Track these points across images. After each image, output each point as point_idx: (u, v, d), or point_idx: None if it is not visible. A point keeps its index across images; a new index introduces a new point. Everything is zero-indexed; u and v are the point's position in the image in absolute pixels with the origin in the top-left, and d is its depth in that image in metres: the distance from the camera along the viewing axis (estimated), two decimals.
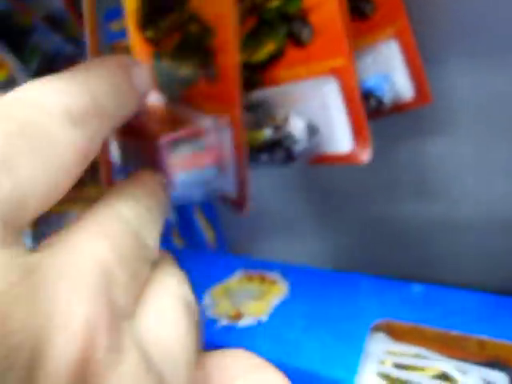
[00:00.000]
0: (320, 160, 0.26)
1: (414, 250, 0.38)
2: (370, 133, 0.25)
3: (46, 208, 0.11)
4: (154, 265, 0.14)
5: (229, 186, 0.22)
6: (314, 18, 0.25)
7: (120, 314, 0.11)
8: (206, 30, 0.23)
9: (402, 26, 0.30)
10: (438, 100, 0.33)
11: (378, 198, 0.39)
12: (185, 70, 0.25)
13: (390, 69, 0.30)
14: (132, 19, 0.27)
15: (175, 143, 0.19)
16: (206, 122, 0.20)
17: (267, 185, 0.42)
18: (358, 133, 0.25)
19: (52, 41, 0.44)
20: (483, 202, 0.35)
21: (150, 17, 0.26)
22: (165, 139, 0.18)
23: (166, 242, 0.42)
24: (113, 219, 0.13)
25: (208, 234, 0.49)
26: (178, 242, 0.47)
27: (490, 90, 0.32)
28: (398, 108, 0.31)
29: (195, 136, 0.20)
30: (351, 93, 0.24)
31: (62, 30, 0.44)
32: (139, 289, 0.13)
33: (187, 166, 0.19)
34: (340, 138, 0.25)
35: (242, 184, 0.23)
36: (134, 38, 0.28)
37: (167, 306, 0.13)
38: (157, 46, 0.27)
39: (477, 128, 0.34)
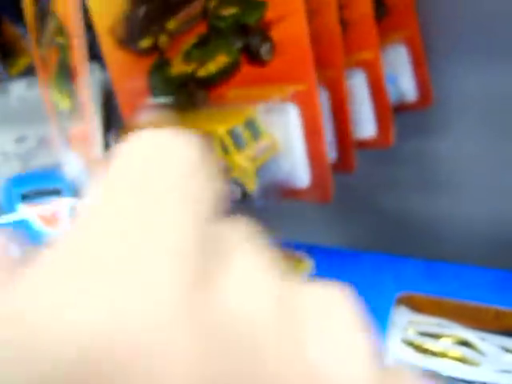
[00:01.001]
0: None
1: (425, 242, 0.39)
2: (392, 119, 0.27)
3: None
4: None
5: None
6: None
7: None
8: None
9: (412, 32, 0.31)
10: (445, 99, 0.35)
11: (388, 192, 0.41)
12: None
13: (396, 72, 0.32)
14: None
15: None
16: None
17: None
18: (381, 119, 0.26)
19: None
20: (490, 197, 0.37)
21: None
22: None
23: None
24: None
25: None
26: None
27: (496, 89, 0.33)
28: (401, 108, 0.32)
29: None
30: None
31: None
32: None
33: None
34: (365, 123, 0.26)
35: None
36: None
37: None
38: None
39: (483, 126, 0.35)
